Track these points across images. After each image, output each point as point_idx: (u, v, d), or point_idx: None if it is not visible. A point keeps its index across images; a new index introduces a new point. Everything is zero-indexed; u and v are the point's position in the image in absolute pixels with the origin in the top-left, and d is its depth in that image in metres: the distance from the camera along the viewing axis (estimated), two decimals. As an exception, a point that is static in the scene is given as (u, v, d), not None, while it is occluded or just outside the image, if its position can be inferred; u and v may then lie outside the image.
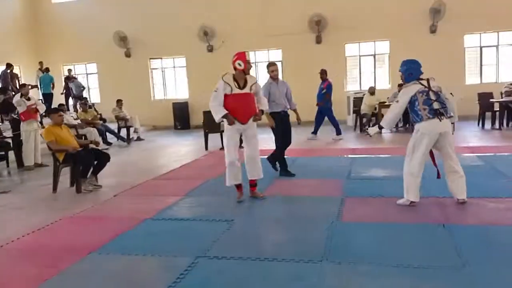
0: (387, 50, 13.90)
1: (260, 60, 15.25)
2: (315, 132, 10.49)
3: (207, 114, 10.24)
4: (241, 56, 4.83)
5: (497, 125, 10.72)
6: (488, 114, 11.12)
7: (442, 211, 4.37)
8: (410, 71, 4.47)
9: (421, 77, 4.44)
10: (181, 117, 15.37)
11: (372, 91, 11.36)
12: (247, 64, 4.82)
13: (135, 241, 3.96)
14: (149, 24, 15.23)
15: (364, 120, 11.30)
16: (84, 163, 6.13)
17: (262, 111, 5.18)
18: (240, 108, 4.84)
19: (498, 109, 10.88)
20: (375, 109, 11.09)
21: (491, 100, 11.10)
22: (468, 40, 13.28)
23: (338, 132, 10.16)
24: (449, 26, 12.81)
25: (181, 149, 10.45)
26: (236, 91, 4.83)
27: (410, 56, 4.86)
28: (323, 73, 10.36)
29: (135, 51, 15.75)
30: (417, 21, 13.19)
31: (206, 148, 9.81)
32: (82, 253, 3.67)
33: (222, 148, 9.69)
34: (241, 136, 5.08)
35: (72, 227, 4.58)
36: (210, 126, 10.01)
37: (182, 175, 7.10)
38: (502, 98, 10.97)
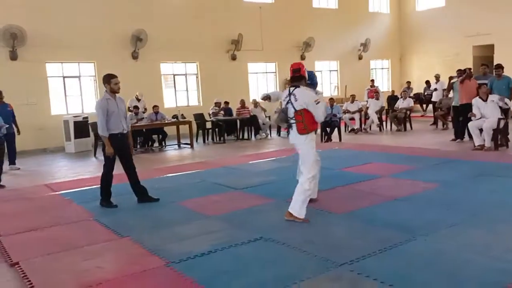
0: (93, 72, 13.44)
1: None
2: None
3: None
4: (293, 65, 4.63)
5: (215, 140, 12.73)
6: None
7: (372, 195, 5.48)
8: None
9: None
10: None
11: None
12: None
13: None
14: None
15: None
16: None
17: None
18: None
19: (210, 127, 12.94)
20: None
21: (209, 119, 13.02)
22: (163, 68, 14.80)
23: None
24: (149, 53, 13.87)
25: None
26: None
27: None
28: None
29: None
30: (120, 47, 13.51)
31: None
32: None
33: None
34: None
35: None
36: None
37: (33, 225, 4.88)
38: (210, 118, 13.08)
